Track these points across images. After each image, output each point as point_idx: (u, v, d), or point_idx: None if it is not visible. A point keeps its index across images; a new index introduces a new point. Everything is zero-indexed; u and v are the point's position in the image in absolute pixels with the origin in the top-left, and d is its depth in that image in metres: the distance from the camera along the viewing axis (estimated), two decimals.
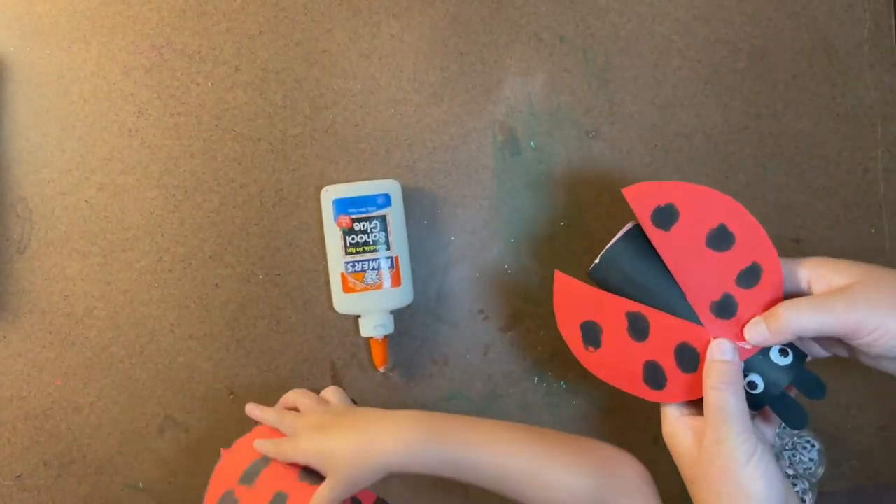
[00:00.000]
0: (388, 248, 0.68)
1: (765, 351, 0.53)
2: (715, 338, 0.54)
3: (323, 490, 0.58)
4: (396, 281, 0.69)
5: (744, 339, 0.53)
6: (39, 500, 0.71)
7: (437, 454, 0.59)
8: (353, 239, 0.68)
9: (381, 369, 0.71)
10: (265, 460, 0.63)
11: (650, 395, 0.56)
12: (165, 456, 0.71)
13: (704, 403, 0.52)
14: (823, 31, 0.74)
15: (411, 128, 0.72)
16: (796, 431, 0.71)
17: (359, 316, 0.70)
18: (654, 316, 0.55)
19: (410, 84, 0.72)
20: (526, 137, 0.73)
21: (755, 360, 0.53)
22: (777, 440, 0.71)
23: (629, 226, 0.58)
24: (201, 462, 0.71)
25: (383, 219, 0.68)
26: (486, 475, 0.58)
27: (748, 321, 0.53)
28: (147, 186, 0.71)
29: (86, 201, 0.71)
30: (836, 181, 0.75)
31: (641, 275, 0.55)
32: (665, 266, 0.55)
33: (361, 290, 0.68)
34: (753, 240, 0.54)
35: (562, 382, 0.74)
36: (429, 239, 0.73)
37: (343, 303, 0.69)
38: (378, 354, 0.70)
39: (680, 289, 0.55)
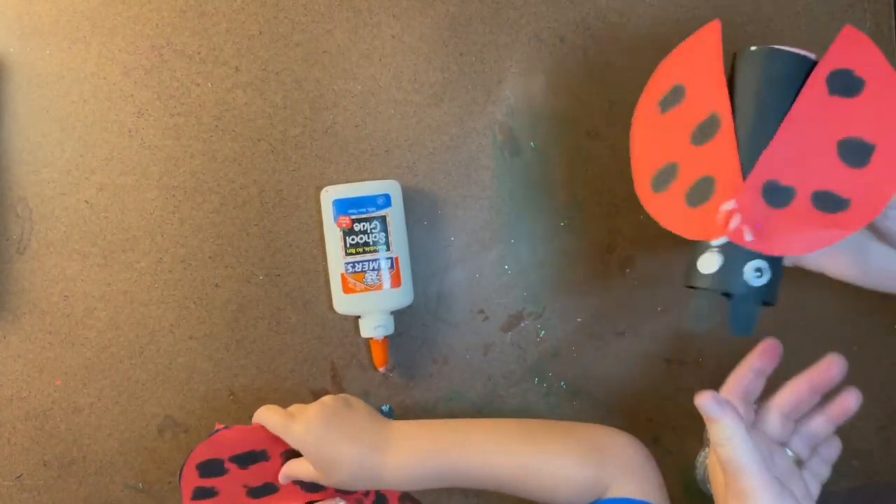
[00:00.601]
0: (388, 249, 0.68)
1: (750, 254, 0.45)
2: (736, 200, 0.44)
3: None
4: (396, 281, 0.69)
5: (758, 234, 0.45)
6: (39, 501, 0.71)
7: (432, 472, 0.59)
8: (353, 239, 0.68)
9: (382, 370, 0.71)
10: (264, 454, 0.62)
11: (643, 189, 0.48)
12: (165, 456, 0.71)
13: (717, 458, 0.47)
14: (824, 30, 0.74)
15: (411, 128, 0.72)
16: None
17: (359, 316, 0.70)
18: (725, 136, 0.46)
19: (410, 84, 0.72)
20: (526, 138, 0.73)
21: (734, 250, 0.46)
22: None
23: (809, 54, 0.48)
24: None
25: (383, 219, 0.68)
26: (484, 479, 0.59)
27: (784, 226, 0.44)
28: (147, 187, 0.71)
29: (86, 202, 0.71)
30: None
31: (765, 98, 0.46)
32: (788, 110, 0.45)
33: (361, 291, 0.68)
34: (890, 176, 0.43)
35: (562, 382, 0.74)
36: (429, 239, 0.73)
37: (343, 303, 0.69)
38: (378, 355, 0.70)
39: (772, 136, 0.45)
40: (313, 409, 0.62)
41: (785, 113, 0.45)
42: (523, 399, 0.74)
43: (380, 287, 0.68)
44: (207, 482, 0.62)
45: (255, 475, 0.62)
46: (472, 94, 0.73)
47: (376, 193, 0.69)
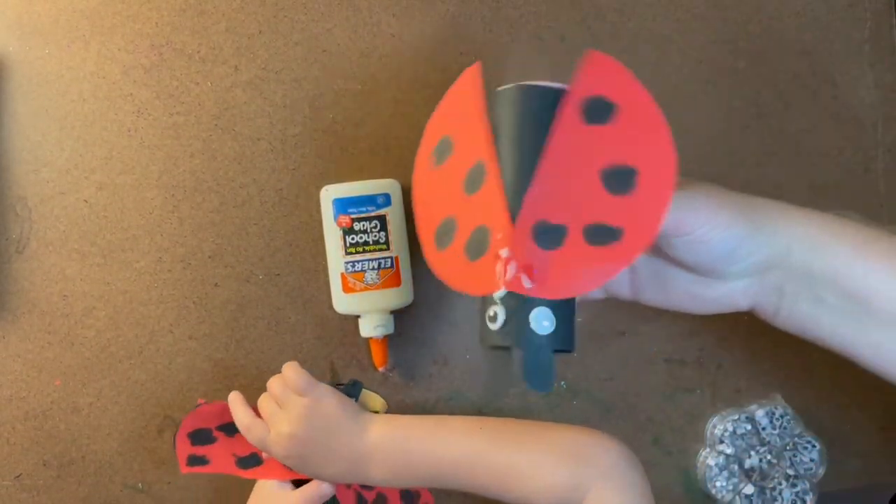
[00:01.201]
0: (388, 248, 0.68)
1: (534, 302, 0.42)
2: (507, 248, 0.41)
3: (307, 490, 0.61)
4: (396, 281, 0.69)
5: (532, 277, 0.42)
6: (38, 501, 0.71)
7: (414, 480, 0.58)
8: (352, 239, 0.68)
9: (381, 370, 0.71)
10: None
11: (429, 248, 0.45)
12: (165, 456, 0.71)
13: None
14: (824, 30, 0.74)
15: (411, 127, 0.72)
16: (795, 432, 0.71)
17: (359, 316, 0.70)
18: (493, 182, 0.43)
19: (410, 84, 0.72)
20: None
21: (514, 302, 0.42)
22: (777, 440, 0.71)
23: (559, 85, 0.46)
24: None
25: (383, 218, 0.68)
26: (463, 485, 0.57)
27: (557, 265, 0.41)
28: (146, 186, 0.71)
29: (85, 201, 0.71)
30: (836, 180, 0.74)
31: (524, 136, 0.43)
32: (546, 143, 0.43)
33: (361, 290, 0.68)
34: (651, 203, 0.41)
35: (562, 382, 0.74)
36: None
37: (343, 303, 0.69)
38: (378, 355, 0.70)
39: (533, 175, 0.42)
40: (285, 439, 0.59)
41: (538, 152, 0.42)
42: (523, 399, 0.73)
43: (379, 286, 0.68)
44: (199, 450, 0.64)
45: (241, 444, 0.63)
46: None
47: (376, 192, 0.68)
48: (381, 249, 0.68)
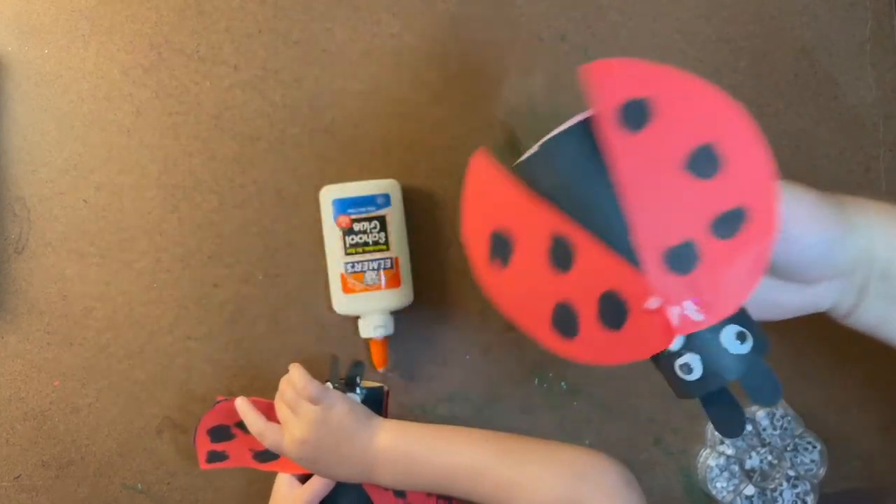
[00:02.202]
0: (388, 249, 0.68)
1: (716, 329, 0.40)
2: (658, 295, 0.39)
3: (313, 487, 0.62)
4: (396, 281, 0.68)
5: (698, 306, 0.40)
6: (38, 501, 0.71)
7: (419, 487, 0.60)
8: (352, 239, 0.68)
9: (381, 370, 0.71)
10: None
11: (554, 343, 0.43)
12: (164, 457, 0.71)
13: None
14: (825, 29, 0.74)
15: (411, 127, 0.72)
16: (796, 433, 0.71)
17: (358, 317, 0.70)
18: (585, 245, 0.41)
19: (410, 83, 0.72)
20: (526, 138, 0.73)
21: (700, 338, 0.40)
22: (778, 441, 0.71)
23: (583, 116, 0.43)
24: None
25: (383, 219, 0.68)
26: (454, 482, 0.58)
27: (708, 284, 0.39)
28: (145, 186, 0.71)
29: (84, 201, 0.71)
30: (837, 180, 0.74)
31: (584, 185, 0.41)
32: (618, 184, 0.40)
33: (361, 291, 0.68)
34: (751, 173, 0.40)
35: (562, 383, 0.73)
36: (429, 239, 0.72)
37: (343, 303, 0.69)
38: (378, 355, 0.70)
39: (629, 220, 0.40)
40: (298, 443, 0.60)
41: (610, 183, 0.40)
42: (523, 400, 0.73)
43: (379, 287, 0.68)
44: (218, 446, 0.65)
45: (258, 440, 0.63)
46: (473, 93, 0.72)
47: (376, 193, 0.68)
48: (380, 250, 0.68)
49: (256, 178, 0.71)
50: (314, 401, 0.60)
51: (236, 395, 0.64)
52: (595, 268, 0.41)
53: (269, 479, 0.71)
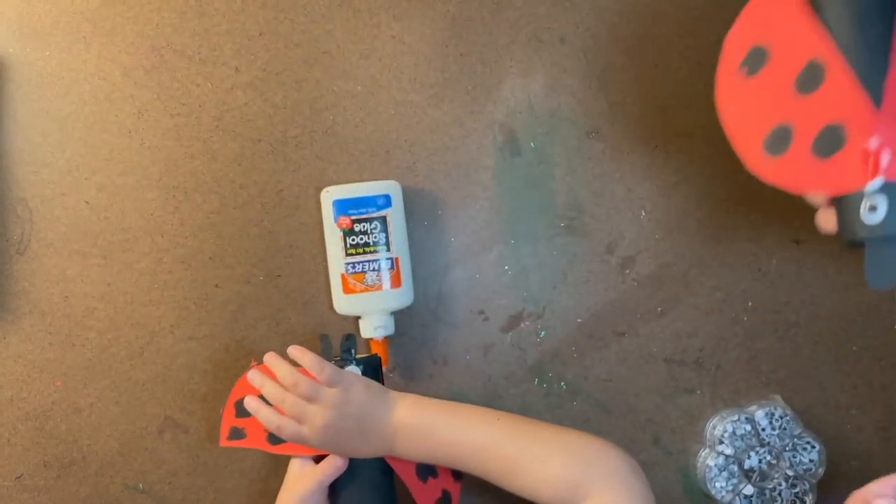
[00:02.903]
0: (389, 249, 0.68)
1: None
2: (881, 134, 0.41)
3: (326, 467, 0.62)
4: (397, 282, 0.69)
5: None
6: (39, 501, 0.71)
7: (433, 460, 0.61)
8: (353, 240, 0.68)
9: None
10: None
11: (754, 158, 0.45)
12: (165, 457, 0.71)
13: None
14: None
15: (411, 129, 0.72)
16: (795, 433, 0.71)
17: (359, 317, 0.70)
18: (837, 74, 0.43)
19: (410, 85, 0.72)
20: (526, 138, 0.73)
21: (894, 187, 0.41)
22: (777, 441, 0.71)
23: None
24: (201, 463, 0.71)
25: (383, 220, 0.68)
26: (467, 457, 0.60)
27: None
28: (147, 187, 0.71)
29: (86, 202, 0.71)
30: None
31: (866, 20, 0.42)
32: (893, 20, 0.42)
33: (362, 291, 0.68)
34: None
35: (562, 383, 0.74)
36: (429, 240, 0.73)
37: (343, 304, 0.69)
38: (378, 355, 0.70)
39: (889, 57, 0.41)
40: (321, 430, 0.60)
41: (889, 32, 0.41)
42: (523, 399, 0.74)
43: (380, 287, 0.68)
44: (240, 423, 0.65)
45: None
46: (473, 94, 0.73)
47: (376, 194, 0.69)
48: (381, 250, 0.68)
49: (257, 179, 0.71)
50: (332, 384, 0.61)
51: (219, 400, 0.64)
52: (835, 97, 0.42)
53: (270, 479, 0.71)
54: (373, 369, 0.66)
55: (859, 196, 0.42)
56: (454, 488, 0.67)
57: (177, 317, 0.71)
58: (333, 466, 0.62)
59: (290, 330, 0.72)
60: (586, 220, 0.73)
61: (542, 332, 0.73)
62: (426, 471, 0.65)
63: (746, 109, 0.46)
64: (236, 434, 0.65)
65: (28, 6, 0.70)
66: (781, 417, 0.71)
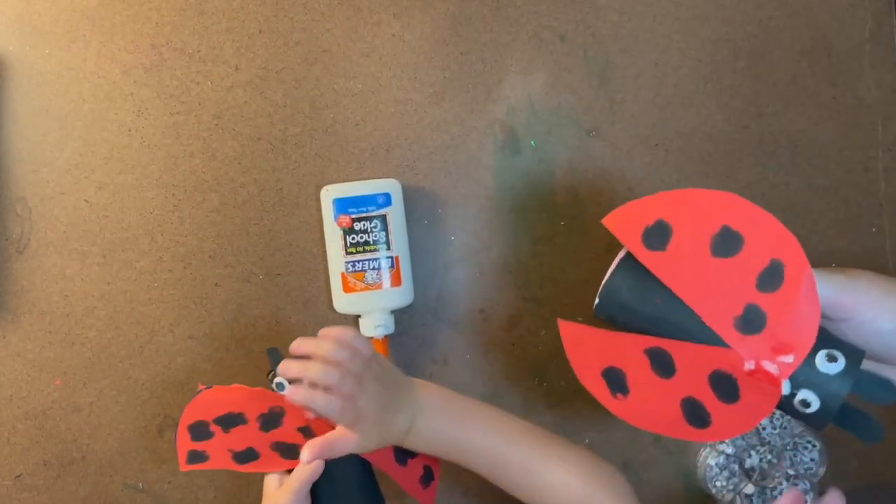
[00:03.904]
0: (389, 248, 0.68)
1: (809, 360, 0.46)
2: (748, 358, 0.47)
3: (302, 474, 0.58)
4: (397, 280, 0.69)
5: (783, 353, 0.47)
6: (39, 501, 0.71)
7: (446, 453, 0.59)
8: (353, 238, 0.68)
9: None
10: (242, 417, 0.61)
11: (697, 435, 0.49)
12: (165, 456, 0.71)
13: None
14: (824, 30, 0.74)
15: (412, 127, 0.72)
16: (796, 432, 0.71)
17: (359, 316, 0.70)
18: (674, 348, 0.49)
19: (411, 83, 0.72)
20: (526, 137, 0.73)
21: (801, 373, 0.46)
22: (778, 440, 0.71)
23: (621, 255, 0.52)
24: None
25: (383, 218, 0.68)
26: (481, 460, 0.59)
27: (782, 330, 0.47)
28: (146, 186, 0.71)
29: (85, 201, 0.71)
30: (836, 181, 0.74)
31: (648, 306, 0.49)
32: (672, 290, 0.49)
33: (361, 290, 0.68)
34: (766, 233, 0.47)
35: (562, 382, 0.74)
36: (429, 238, 0.73)
37: (343, 302, 0.69)
38: None
39: (694, 312, 0.48)
40: (373, 401, 0.57)
41: (667, 292, 0.49)
42: (523, 399, 0.73)
43: (380, 286, 0.68)
44: (198, 445, 0.61)
45: (237, 439, 0.61)
46: (473, 92, 0.73)
47: (376, 192, 0.68)
48: (381, 249, 0.68)
49: (257, 177, 0.71)
50: (370, 357, 0.58)
51: (217, 384, 0.62)
52: (692, 361, 0.48)
53: None
54: None
55: (789, 399, 0.47)
56: (434, 462, 0.65)
57: (176, 316, 0.71)
58: (310, 472, 0.58)
59: (289, 329, 0.72)
60: (586, 220, 0.73)
61: (543, 332, 0.73)
62: (404, 453, 0.63)
63: (653, 414, 0.50)
64: (196, 457, 0.61)
65: (28, 4, 0.70)
66: (782, 416, 0.71)
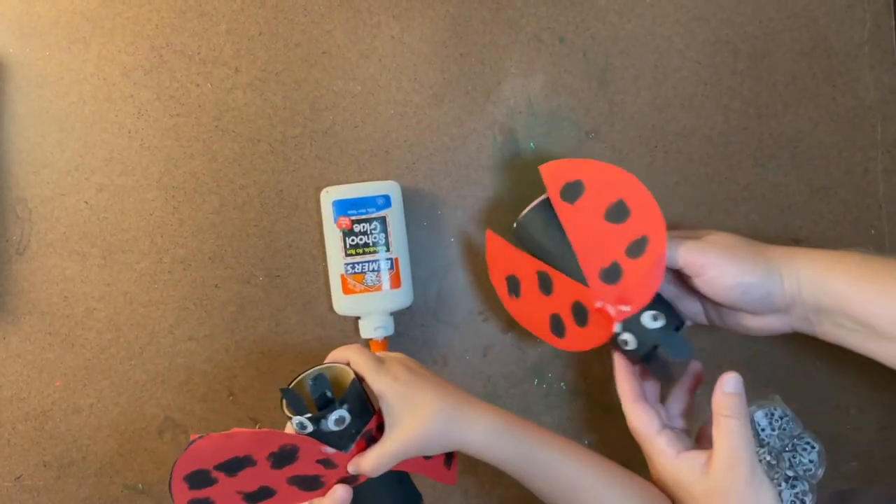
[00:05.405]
0: (388, 250, 0.68)
1: (641, 314, 0.58)
2: (599, 299, 0.59)
3: (389, 442, 0.55)
4: (396, 282, 0.69)
5: (624, 303, 0.58)
6: (39, 501, 0.71)
7: (513, 447, 0.57)
8: (352, 240, 0.68)
9: None
10: (250, 460, 0.58)
11: (555, 342, 0.63)
12: (165, 457, 0.71)
13: (714, 432, 0.55)
14: (823, 31, 0.74)
15: (411, 129, 0.72)
16: (795, 433, 0.71)
17: (359, 317, 0.70)
18: (555, 276, 0.62)
19: (410, 85, 0.72)
20: (526, 138, 0.73)
21: (632, 321, 0.58)
22: (777, 441, 0.71)
23: (542, 198, 0.63)
24: None
25: (383, 220, 0.68)
26: (553, 480, 0.57)
27: (630, 287, 0.58)
28: (146, 187, 0.71)
29: (85, 202, 0.71)
30: (835, 182, 0.74)
31: (548, 241, 0.62)
32: (567, 235, 0.61)
33: (361, 292, 0.68)
34: (647, 215, 0.58)
35: (562, 383, 0.74)
36: (429, 240, 0.73)
37: (343, 304, 0.69)
38: None
39: (577, 256, 0.60)
40: (397, 367, 0.58)
41: (564, 235, 0.61)
42: (523, 400, 0.74)
43: (379, 288, 0.68)
44: (200, 493, 0.57)
45: (246, 481, 0.58)
46: (472, 94, 0.73)
47: (376, 194, 0.69)
48: (381, 251, 0.68)
49: (257, 179, 0.71)
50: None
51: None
52: (563, 289, 0.62)
53: None
54: (357, 398, 0.57)
55: (616, 337, 0.59)
56: None
57: (176, 317, 0.71)
58: (338, 498, 0.57)
59: (289, 330, 0.72)
60: None
61: None
62: None
63: (531, 316, 0.65)
64: None
65: (28, 6, 0.70)
66: (781, 418, 0.71)
